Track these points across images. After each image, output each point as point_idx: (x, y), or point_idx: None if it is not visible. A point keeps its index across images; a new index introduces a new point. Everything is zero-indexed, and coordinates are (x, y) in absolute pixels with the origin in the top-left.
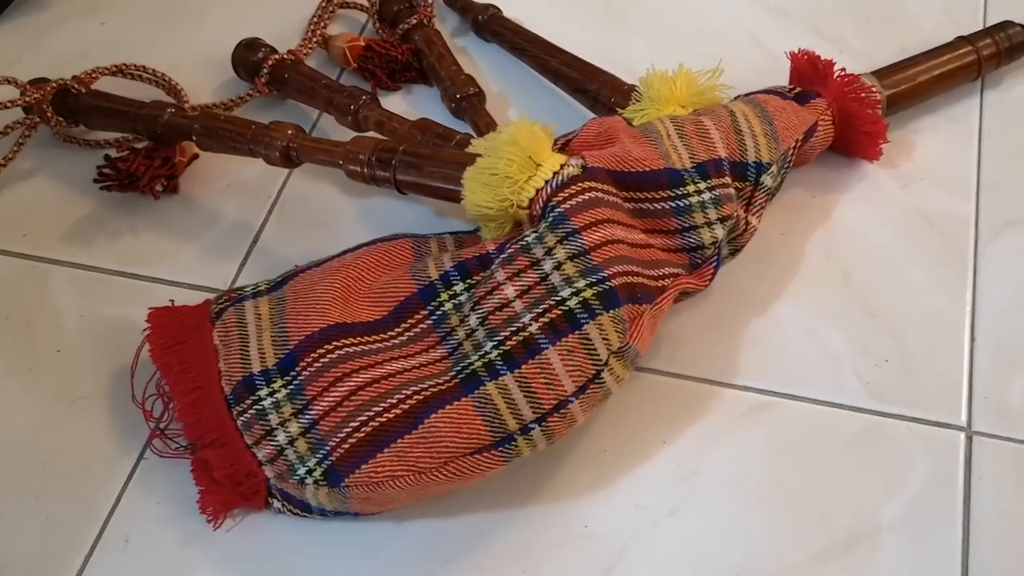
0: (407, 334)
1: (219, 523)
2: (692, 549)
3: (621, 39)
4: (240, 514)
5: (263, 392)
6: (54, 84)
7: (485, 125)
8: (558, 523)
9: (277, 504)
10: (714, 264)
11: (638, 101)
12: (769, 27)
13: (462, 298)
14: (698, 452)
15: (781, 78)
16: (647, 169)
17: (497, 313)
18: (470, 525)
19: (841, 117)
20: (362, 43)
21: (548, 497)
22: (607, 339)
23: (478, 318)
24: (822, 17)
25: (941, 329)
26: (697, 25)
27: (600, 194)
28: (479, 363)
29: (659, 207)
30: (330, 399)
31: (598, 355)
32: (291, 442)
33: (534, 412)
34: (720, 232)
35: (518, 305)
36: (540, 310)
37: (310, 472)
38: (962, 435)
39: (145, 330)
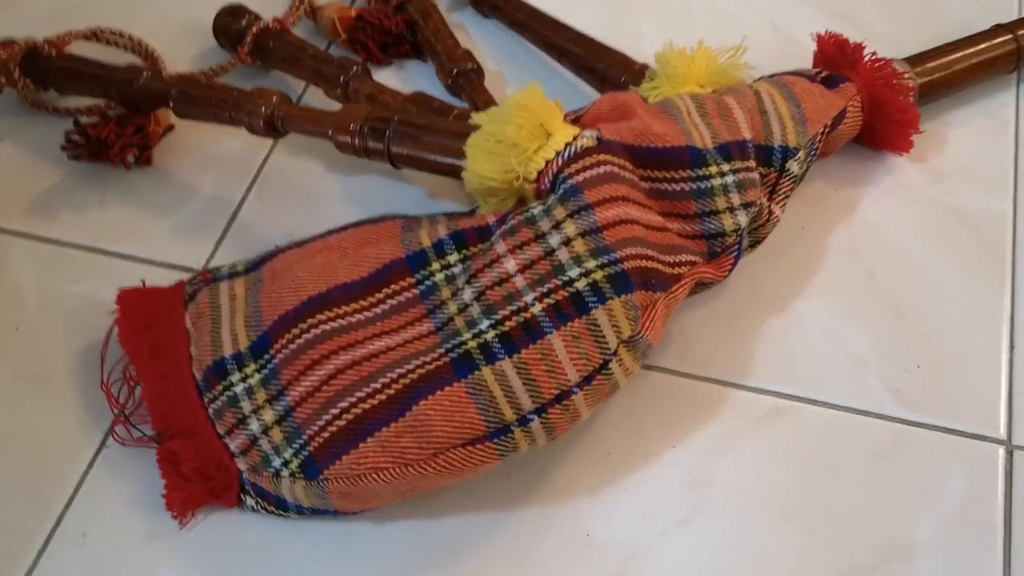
0: (389, 302)
1: (186, 521)
2: (703, 563)
3: (626, 19)
4: (209, 510)
5: (235, 377)
6: (23, 44)
7: (483, 103)
8: (557, 529)
9: (250, 501)
10: (735, 254)
11: (652, 79)
12: (788, 9)
13: (456, 269)
14: (710, 458)
15: (800, 64)
16: (668, 145)
17: (496, 288)
18: (460, 527)
19: (871, 104)
20: (353, 13)
21: (546, 500)
22: (617, 326)
23: (473, 292)
24: (846, 0)
25: (976, 334)
26: (709, 5)
27: (616, 169)
28: (473, 343)
29: (678, 188)
30: (307, 384)
31: (606, 343)
32: (265, 431)
33: (533, 402)
34: (743, 219)
35: (519, 281)
36: (545, 289)
37: (286, 464)
38: (1001, 449)
39: (113, 311)
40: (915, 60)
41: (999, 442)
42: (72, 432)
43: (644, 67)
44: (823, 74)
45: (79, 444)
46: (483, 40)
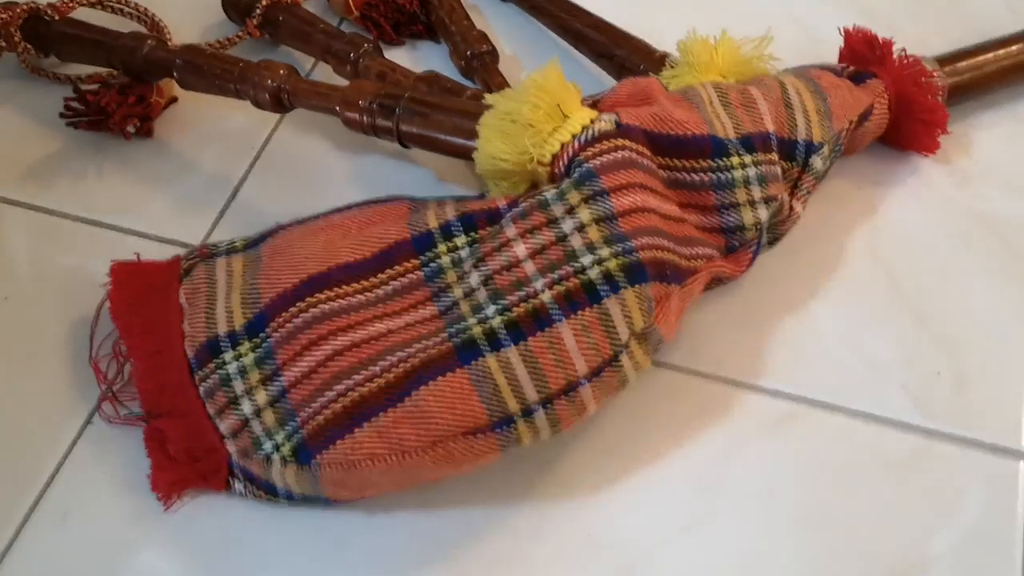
0: (392, 284)
1: (171, 504)
2: (707, 571)
3: (645, 9)
4: (196, 493)
5: (228, 356)
6: (25, 7)
7: (497, 87)
8: (556, 528)
9: (239, 485)
10: (753, 249)
11: (673, 67)
12: (813, 5)
13: (463, 252)
14: (719, 462)
15: (824, 60)
16: (689, 133)
17: (504, 274)
18: (456, 521)
19: (898, 102)
20: None
21: (546, 497)
22: (629, 317)
23: (481, 277)
24: None
25: (1001, 344)
26: None
27: (634, 155)
28: (478, 329)
29: (698, 178)
30: (303, 365)
31: (617, 335)
32: (257, 413)
33: (539, 393)
34: (764, 214)
35: (529, 267)
36: (555, 276)
37: (277, 448)
38: (1023, 463)
39: (106, 285)
40: (945, 60)
41: (1021, 456)
42: (57, 407)
43: (664, 55)
44: (850, 69)
45: (64, 420)
46: (498, 23)
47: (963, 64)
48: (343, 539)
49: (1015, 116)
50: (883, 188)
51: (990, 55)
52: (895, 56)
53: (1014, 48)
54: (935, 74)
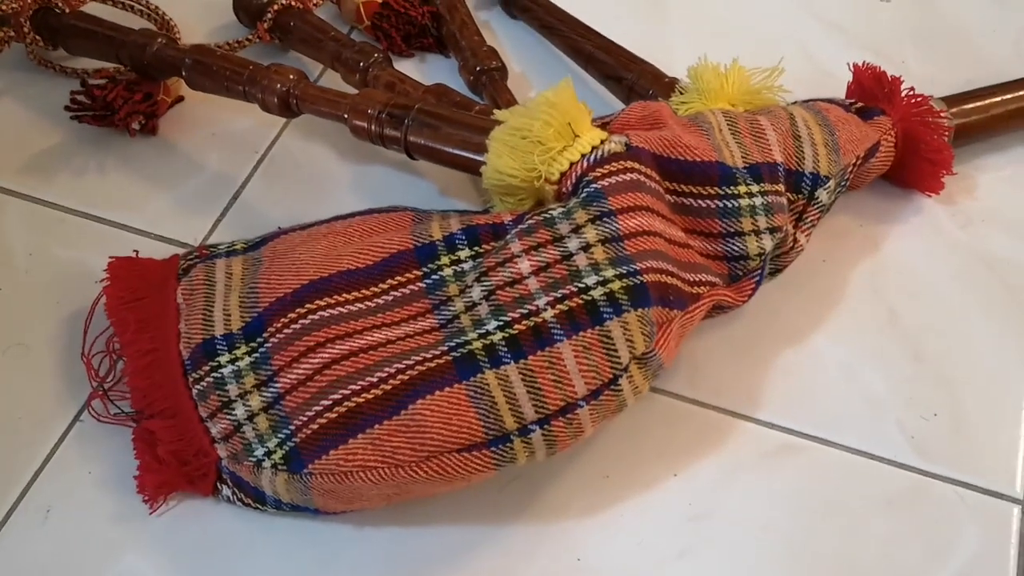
0: (393, 293)
1: (157, 506)
2: None
3: (660, 35)
4: (182, 496)
5: (224, 358)
6: None
7: (505, 103)
8: (547, 551)
9: (226, 491)
10: (756, 279)
11: (682, 93)
12: (822, 40)
13: (466, 265)
14: (713, 491)
15: (832, 95)
16: (698, 159)
17: (507, 289)
18: (445, 539)
19: (904, 140)
20: None
21: (538, 519)
22: (631, 341)
23: (483, 291)
24: (880, 36)
25: (999, 387)
26: (745, 29)
27: (642, 178)
28: (478, 344)
29: (704, 205)
30: (299, 372)
31: (618, 357)
32: (251, 417)
33: (537, 412)
34: (768, 243)
35: (532, 283)
36: (558, 295)
37: (269, 454)
38: (1016, 508)
39: (102, 280)
40: (952, 101)
41: (1015, 501)
42: (46, 402)
43: (674, 81)
44: (858, 105)
45: (52, 415)
46: (509, 41)
47: (970, 106)
48: (330, 552)
49: (1020, 159)
50: (886, 225)
51: (997, 98)
52: (903, 94)
53: (1021, 92)
54: (943, 114)
